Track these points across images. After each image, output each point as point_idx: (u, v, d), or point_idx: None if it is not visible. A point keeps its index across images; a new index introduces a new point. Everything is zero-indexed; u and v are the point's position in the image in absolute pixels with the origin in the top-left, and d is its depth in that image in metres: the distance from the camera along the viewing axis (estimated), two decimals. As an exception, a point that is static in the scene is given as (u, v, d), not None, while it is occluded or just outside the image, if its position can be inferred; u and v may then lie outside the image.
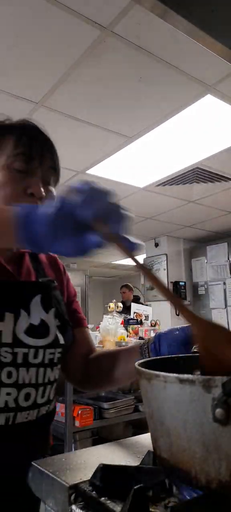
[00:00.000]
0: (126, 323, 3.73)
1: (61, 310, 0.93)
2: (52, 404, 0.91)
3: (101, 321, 3.35)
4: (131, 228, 0.58)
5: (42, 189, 0.84)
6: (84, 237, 0.55)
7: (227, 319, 5.54)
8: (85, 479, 0.57)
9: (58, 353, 0.88)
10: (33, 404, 0.82)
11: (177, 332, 0.84)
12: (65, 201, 0.56)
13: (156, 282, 0.60)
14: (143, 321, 3.97)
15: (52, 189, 0.91)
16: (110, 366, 0.97)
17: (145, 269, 0.62)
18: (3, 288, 0.82)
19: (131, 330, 3.71)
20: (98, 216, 0.55)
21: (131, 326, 3.79)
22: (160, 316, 4.70)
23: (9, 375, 0.78)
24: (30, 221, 0.57)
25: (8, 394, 0.78)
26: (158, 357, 0.80)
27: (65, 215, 0.55)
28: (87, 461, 0.67)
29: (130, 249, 0.57)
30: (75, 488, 0.55)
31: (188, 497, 0.50)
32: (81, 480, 0.57)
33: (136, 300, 5.85)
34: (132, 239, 0.58)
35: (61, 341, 0.90)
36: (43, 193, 0.84)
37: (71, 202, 0.55)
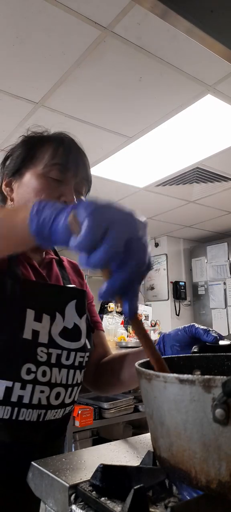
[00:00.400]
0: (126, 323, 3.73)
1: (86, 316, 0.97)
2: (74, 405, 0.95)
3: (102, 321, 3.34)
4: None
5: (75, 198, 0.90)
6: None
7: (227, 319, 5.54)
8: (85, 479, 0.57)
9: (86, 357, 0.92)
10: (61, 403, 0.86)
11: (179, 333, 0.86)
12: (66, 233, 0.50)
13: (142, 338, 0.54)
14: (143, 321, 3.97)
15: (84, 198, 0.96)
16: (120, 368, 1.01)
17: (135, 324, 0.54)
18: (42, 290, 0.87)
19: (131, 330, 3.71)
20: (108, 264, 0.48)
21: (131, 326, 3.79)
22: (160, 316, 4.71)
23: (44, 374, 0.82)
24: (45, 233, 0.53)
25: (41, 392, 0.82)
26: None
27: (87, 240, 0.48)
28: (87, 461, 0.67)
29: (126, 314, 0.51)
30: (75, 488, 0.55)
31: (188, 497, 0.50)
32: (81, 480, 0.57)
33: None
34: (133, 304, 0.50)
35: (88, 346, 0.94)
36: (76, 202, 0.89)
37: (72, 245, 0.49)
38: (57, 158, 0.90)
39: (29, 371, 0.80)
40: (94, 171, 3.59)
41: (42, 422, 0.83)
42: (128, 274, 0.48)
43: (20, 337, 0.79)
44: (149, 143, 3.13)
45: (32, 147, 0.93)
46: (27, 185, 0.89)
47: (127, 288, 0.49)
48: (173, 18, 0.91)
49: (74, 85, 2.37)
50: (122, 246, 0.47)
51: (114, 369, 1.02)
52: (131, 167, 3.64)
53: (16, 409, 0.79)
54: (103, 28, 1.92)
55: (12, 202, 0.93)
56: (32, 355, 0.80)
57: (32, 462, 0.67)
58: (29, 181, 0.89)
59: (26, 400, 0.80)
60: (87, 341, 0.93)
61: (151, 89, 2.43)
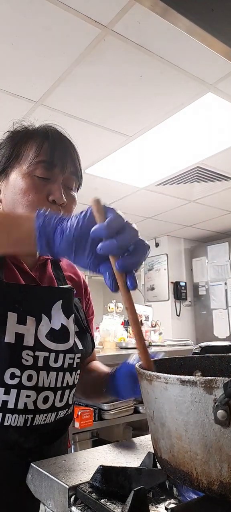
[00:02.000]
0: (126, 324, 3.73)
1: (80, 316, 0.95)
2: (71, 408, 0.92)
3: (101, 321, 3.34)
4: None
5: (63, 196, 0.87)
6: (99, 265, 0.60)
7: (228, 320, 5.53)
8: (85, 481, 0.56)
9: (77, 358, 0.89)
10: (51, 407, 0.84)
11: (131, 371, 0.85)
12: (88, 224, 0.58)
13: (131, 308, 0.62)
14: (143, 322, 3.96)
15: (75, 194, 0.93)
16: (90, 383, 1.02)
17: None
18: (25, 292, 0.84)
19: (131, 331, 3.70)
20: (115, 254, 0.58)
21: (131, 326, 3.77)
22: (160, 316, 4.70)
23: (30, 378, 0.80)
24: (51, 235, 0.60)
25: (27, 396, 0.79)
26: (158, 358, 0.80)
27: (86, 240, 0.58)
28: (87, 462, 0.67)
29: (128, 287, 0.60)
30: (75, 489, 0.55)
31: (188, 499, 0.50)
32: (81, 482, 0.56)
33: None
34: (133, 279, 0.60)
35: (80, 346, 0.91)
36: (64, 200, 0.87)
37: (96, 230, 0.58)
38: (42, 155, 0.86)
39: (13, 376, 0.78)
40: (94, 170, 3.59)
41: (31, 427, 0.80)
42: (135, 259, 0.60)
43: (2, 341, 0.77)
44: (149, 142, 3.12)
45: (16, 144, 0.89)
46: (14, 185, 0.86)
47: (132, 267, 0.60)
48: (173, 16, 0.91)
49: (74, 84, 2.37)
50: (131, 242, 0.59)
51: (88, 383, 1.03)
52: (131, 166, 3.63)
53: (0, 414, 0.77)
54: (103, 26, 1.92)
55: (0, 204, 0.90)
56: (16, 359, 0.78)
57: (32, 464, 0.66)
58: (15, 181, 0.86)
59: (11, 405, 0.78)
60: (78, 342, 0.91)
61: (151, 88, 2.43)
